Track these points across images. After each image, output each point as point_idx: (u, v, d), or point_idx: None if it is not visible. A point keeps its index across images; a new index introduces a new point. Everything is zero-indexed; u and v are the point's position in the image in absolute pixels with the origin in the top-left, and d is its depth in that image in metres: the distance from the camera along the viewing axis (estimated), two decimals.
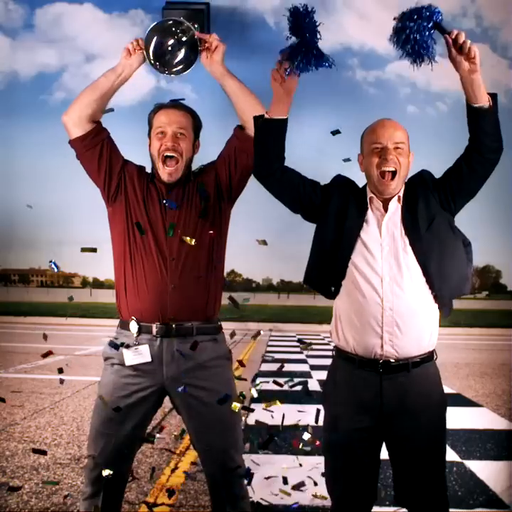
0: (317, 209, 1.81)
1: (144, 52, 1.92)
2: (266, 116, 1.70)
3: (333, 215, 1.78)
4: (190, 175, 1.95)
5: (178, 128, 1.89)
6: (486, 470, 3.41)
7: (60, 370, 2.13)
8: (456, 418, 4.73)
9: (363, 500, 1.80)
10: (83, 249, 1.92)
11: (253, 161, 1.78)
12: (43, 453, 2.35)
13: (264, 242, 1.93)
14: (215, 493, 1.90)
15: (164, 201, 1.87)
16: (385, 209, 1.76)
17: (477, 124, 1.63)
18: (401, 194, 1.77)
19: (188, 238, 1.82)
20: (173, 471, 3.27)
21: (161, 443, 3.88)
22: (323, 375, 1.91)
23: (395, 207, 1.76)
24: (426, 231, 1.71)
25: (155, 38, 1.92)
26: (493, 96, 1.63)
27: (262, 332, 2.55)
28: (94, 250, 1.92)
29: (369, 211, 1.78)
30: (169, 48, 1.94)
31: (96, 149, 1.91)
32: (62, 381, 2.32)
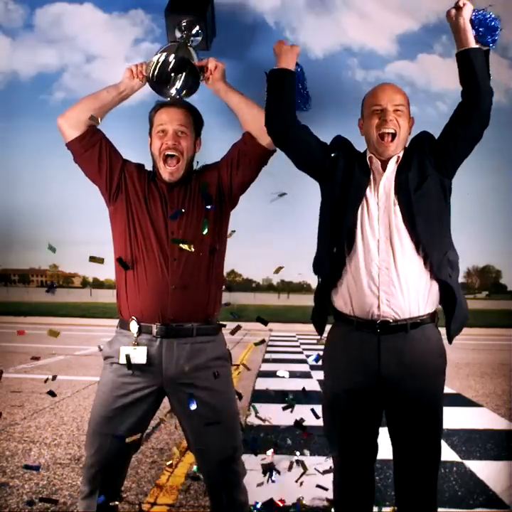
0: (325, 169, 1.82)
1: (147, 78, 1.94)
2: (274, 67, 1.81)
3: (341, 175, 1.79)
4: (192, 174, 1.95)
5: (179, 126, 1.88)
6: (486, 470, 3.41)
7: (52, 394, 2.17)
8: (456, 418, 4.73)
9: (363, 457, 1.82)
10: (91, 259, 1.93)
11: (267, 120, 1.81)
12: (54, 502, 2.47)
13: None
14: (214, 495, 1.89)
15: (169, 216, 1.86)
16: (384, 169, 1.77)
17: (470, 67, 1.67)
18: (400, 155, 1.78)
19: (186, 246, 1.82)
20: (173, 471, 3.27)
21: (160, 443, 3.89)
22: (323, 375, 1.92)
23: (393, 167, 1.77)
24: (415, 191, 1.72)
25: (157, 66, 1.93)
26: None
27: (266, 339, 2.57)
28: (101, 261, 1.93)
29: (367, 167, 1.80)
30: (171, 76, 1.96)
31: (95, 149, 1.91)
32: (53, 395, 2.37)
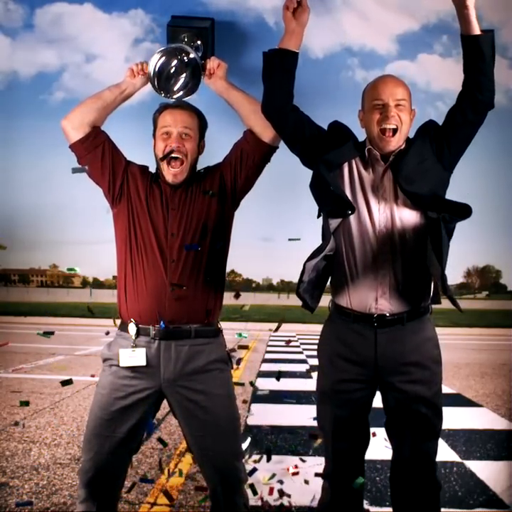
0: (312, 142, 1.80)
1: (148, 76, 1.95)
2: (277, 47, 1.73)
3: (326, 151, 1.76)
4: (195, 176, 1.94)
5: (184, 128, 1.88)
6: (486, 470, 3.41)
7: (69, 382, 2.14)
8: (456, 418, 4.73)
9: (355, 448, 1.83)
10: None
11: (264, 102, 1.79)
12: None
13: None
14: (214, 499, 1.88)
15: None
16: (385, 161, 1.75)
17: (479, 53, 1.61)
18: (403, 147, 1.76)
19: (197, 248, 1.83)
20: (173, 471, 3.27)
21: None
22: (318, 365, 1.92)
23: (394, 159, 1.75)
24: (414, 167, 1.69)
25: (158, 64, 1.94)
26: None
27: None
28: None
29: (366, 159, 1.77)
30: (172, 74, 1.97)
31: (98, 150, 1.91)
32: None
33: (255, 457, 2.57)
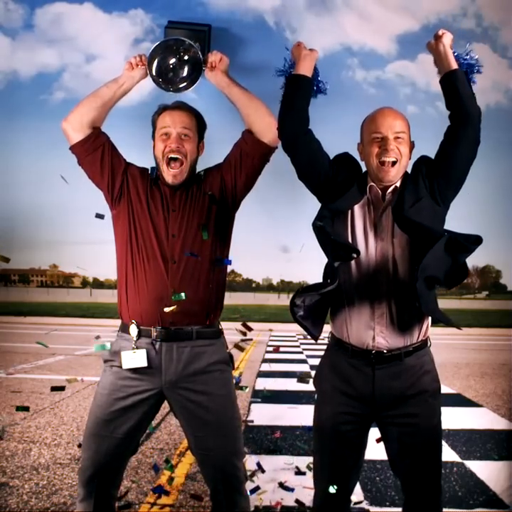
0: (328, 182, 1.79)
1: (147, 69, 1.94)
2: (293, 72, 1.79)
3: (334, 193, 1.76)
4: (194, 177, 1.94)
5: (183, 129, 1.87)
6: (486, 470, 3.41)
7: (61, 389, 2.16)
8: (456, 418, 4.73)
9: (347, 488, 1.81)
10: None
11: (280, 122, 1.78)
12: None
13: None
14: (215, 498, 1.88)
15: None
16: (383, 199, 1.75)
17: (454, 88, 1.68)
18: (398, 184, 1.75)
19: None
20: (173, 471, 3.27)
21: (160, 443, 3.89)
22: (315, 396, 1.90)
23: (391, 197, 1.74)
24: (410, 207, 1.69)
25: (158, 55, 1.93)
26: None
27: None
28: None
29: (366, 198, 1.76)
30: (172, 66, 1.96)
31: (98, 152, 1.91)
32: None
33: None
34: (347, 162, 1.84)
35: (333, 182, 1.78)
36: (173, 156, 1.86)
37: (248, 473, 2.53)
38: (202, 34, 2.00)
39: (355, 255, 1.71)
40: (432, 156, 1.78)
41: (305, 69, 1.78)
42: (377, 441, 1.89)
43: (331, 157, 1.83)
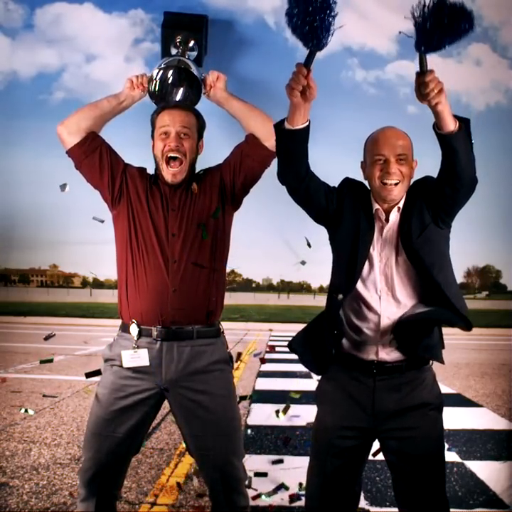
0: (332, 216, 1.78)
1: (147, 89, 1.97)
2: (287, 126, 1.58)
3: (346, 228, 1.75)
4: (194, 176, 1.94)
5: (182, 128, 1.88)
6: (486, 470, 3.41)
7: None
8: (456, 418, 4.73)
9: (346, 502, 1.79)
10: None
11: (279, 172, 1.69)
12: None
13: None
14: (214, 499, 1.88)
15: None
16: (387, 220, 1.75)
17: (453, 152, 1.53)
18: (401, 204, 1.74)
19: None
20: (173, 471, 3.27)
21: (161, 443, 3.89)
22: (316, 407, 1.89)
23: (395, 217, 1.74)
24: (418, 237, 1.69)
25: (158, 78, 1.96)
26: (466, 121, 1.53)
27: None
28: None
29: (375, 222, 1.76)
30: (171, 89, 1.99)
31: (95, 154, 1.91)
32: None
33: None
34: (349, 190, 1.81)
35: (339, 220, 1.77)
36: (172, 155, 1.86)
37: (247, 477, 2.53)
38: (198, 27, 2.01)
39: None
40: (433, 155, 1.77)
41: (297, 120, 1.57)
42: (374, 454, 1.89)
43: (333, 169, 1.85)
